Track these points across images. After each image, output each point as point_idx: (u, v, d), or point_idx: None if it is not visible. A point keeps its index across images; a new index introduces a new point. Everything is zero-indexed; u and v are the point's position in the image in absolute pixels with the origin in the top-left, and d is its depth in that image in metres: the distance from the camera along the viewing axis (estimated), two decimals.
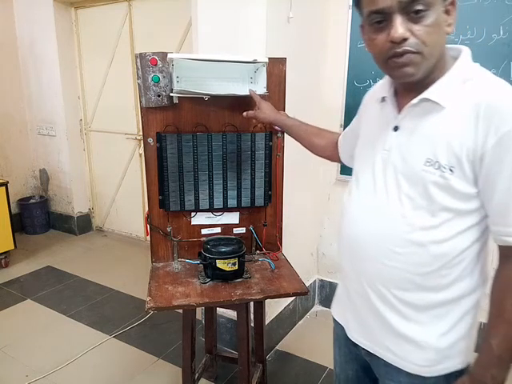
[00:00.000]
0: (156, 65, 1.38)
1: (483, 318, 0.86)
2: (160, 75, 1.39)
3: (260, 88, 1.46)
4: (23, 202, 3.88)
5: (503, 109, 0.74)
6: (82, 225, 3.96)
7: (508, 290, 0.79)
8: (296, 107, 1.71)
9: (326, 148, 1.32)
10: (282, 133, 1.58)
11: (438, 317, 0.87)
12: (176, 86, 1.40)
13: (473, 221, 0.82)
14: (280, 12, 1.87)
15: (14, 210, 3.72)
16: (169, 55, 1.37)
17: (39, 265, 3.28)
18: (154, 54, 1.38)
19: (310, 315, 2.57)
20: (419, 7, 0.74)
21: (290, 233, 1.86)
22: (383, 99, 0.93)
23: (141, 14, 3.25)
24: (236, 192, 1.58)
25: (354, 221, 0.94)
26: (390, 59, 0.79)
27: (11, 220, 3.17)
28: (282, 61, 1.53)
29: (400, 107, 0.88)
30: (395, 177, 0.85)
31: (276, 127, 1.55)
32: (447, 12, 0.78)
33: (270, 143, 1.57)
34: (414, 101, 0.83)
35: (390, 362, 0.92)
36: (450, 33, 0.80)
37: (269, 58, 1.44)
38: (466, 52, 0.84)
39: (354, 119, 1.15)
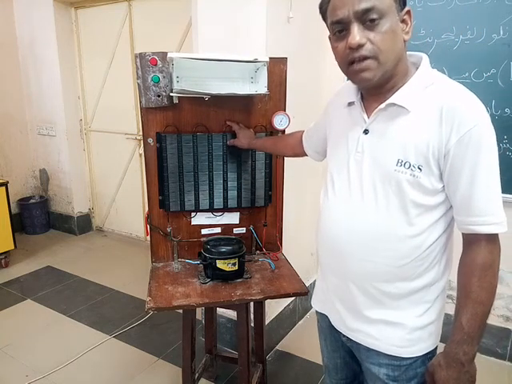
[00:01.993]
0: (156, 65, 1.38)
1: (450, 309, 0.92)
2: (160, 75, 1.39)
3: (261, 87, 1.46)
4: (23, 202, 3.88)
5: (462, 110, 0.83)
6: (82, 225, 3.96)
7: (472, 273, 0.87)
8: (296, 107, 1.71)
9: (295, 146, 1.39)
10: (283, 133, 1.58)
11: (412, 302, 0.95)
12: (176, 86, 1.40)
13: (440, 213, 0.90)
14: (280, 12, 1.87)
15: (14, 210, 3.72)
16: (169, 54, 1.37)
17: (39, 265, 3.28)
18: (153, 53, 1.38)
19: (310, 315, 2.57)
20: (374, 16, 0.82)
21: (290, 233, 1.87)
22: (350, 104, 1.00)
23: (141, 14, 3.25)
24: (236, 192, 1.58)
25: (332, 220, 1.00)
26: (350, 65, 0.87)
27: (11, 220, 3.17)
28: (283, 60, 1.53)
29: (368, 111, 0.95)
30: (370, 177, 0.92)
31: (276, 128, 1.55)
32: (404, 21, 0.87)
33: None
34: (382, 106, 0.90)
35: (369, 346, 1.00)
36: (407, 39, 0.88)
37: (270, 58, 1.44)
38: (425, 59, 0.92)
39: (318, 118, 1.23)
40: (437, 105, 0.84)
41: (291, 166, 1.75)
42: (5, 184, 3.12)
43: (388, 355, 0.98)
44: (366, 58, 0.84)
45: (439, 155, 0.84)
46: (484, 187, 0.84)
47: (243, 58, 1.41)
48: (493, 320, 2.09)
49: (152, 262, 1.61)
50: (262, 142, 1.52)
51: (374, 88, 0.91)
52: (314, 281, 2.62)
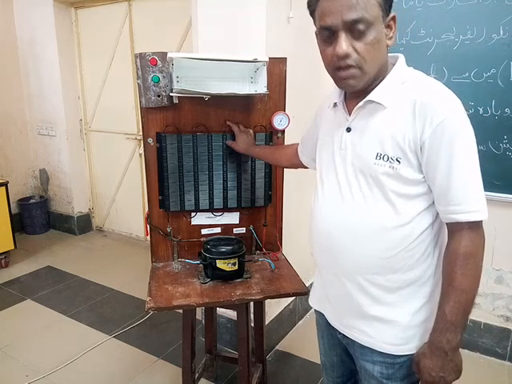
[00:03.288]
0: (156, 65, 1.38)
1: None
2: (160, 75, 1.39)
3: (261, 87, 1.46)
4: (23, 202, 3.88)
5: (434, 104, 0.86)
6: (82, 225, 3.96)
7: (455, 261, 0.88)
8: (296, 107, 1.71)
9: (292, 156, 1.41)
10: (283, 133, 1.58)
11: (405, 297, 0.96)
12: (176, 86, 1.40)
13: (425, 204, 0.92)
14: (280, 12, 1.87)
15: (14, 209, 3.72)
16: (169, 54, 1.37)
17: (39, 265, 3.28)
18: (153, 53, 1.38)
19: (309, 315, 2.57)
20: (361, 27, 0.84)
21: (290, 233, 1.87)
22: (335, 105, 1.03)
23: (141, 14, 3.25)
24: (236, 192, 1.58)
25: (322, 218, 1.02)
26: (336, 71, 0.90)
27: (11, 220, 3.17)
28: (283, 60, 1.53)
29: (350, 110, 0.99)
30: (354, 172, 0.96)
31: (276, 128, 1.55)
32: (389, 26, 0.90)
33: (271, 143, 1.57)
34: (360, 103, 0.94)
35: (363, 343, 1.01)
36: (390, 45, 0.91)
37: (269, 58, 1.44)
38: (401, 58, 0.95)
39: (310, 125, 1.27)
40: (410, 99, 0.88)
41: None
42: (5, 184, 3.12)
43: (382, 353, 0.98)
44: (351, 66, 0.87)
45: (415, 147, 0.87)
46: (460, 176, 0.86)
47: (243, 58, 1.41)
48: (493, 320, 2.09)
49: (152, 262, 1.61)
50: (260, 150, 1.52)
51: (357, 91, 0.95)
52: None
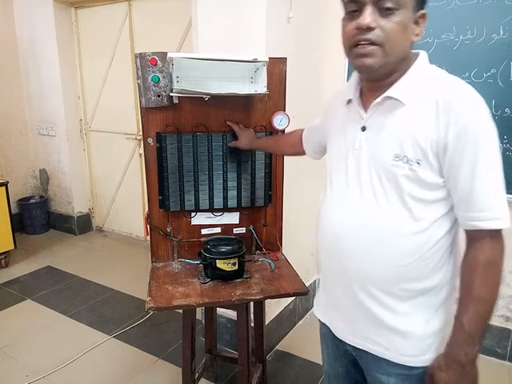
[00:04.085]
0: (156, 65, 1.38)
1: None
2: (160, 75, 1.39)
3: (260, 87, 1.46)
4: (23, 202, 3.88)
5: (458, 103, 0.81)
6: (82, 225, 3.96)
7: (474, 270, 0.84)
8: (296, 107, 1.71)
9: (294, 144, 1.38)
10: (283, 133, 1.58)
11: (420, 306, 0.91)
12: (176, 86, 1.40)
13: (444, 210, 0.88)
14: (280, 12, 1.87)
15: (14, 209, 3.72)
16: (169, 54, 1.37)
17: (39, 265, 3.27)
18: (153, 53, 1.38)
19: (309, 315, 2.57)
20: (389, 5, 0.80)
21: (290, 233, 1.87)
22: (349, 102, 0.98)
23: (141, 14, 3.25)
24: (236, 192, 1.58)
25: (332, 221, 0.97)
26: (354, 47, 0.85)
27: (11, 220, 3.17)
28: (283, 61, 1.53)
29: (366, 108, 0.93)
30: (368, 174, 0.90)
31: (276, 128, 1.55)
32: (417, 23, 0.86)
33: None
34: (378, 99, 0.89)
35: (377, 354, 0.96)
36: (415, 42, 0.87)
37: (269, 58, 1.44)
38: (423, 54, 0.91)
39: (317, 119, 1.22)
40: (433, 98, 0.83)
41: (291, 166, 1.75)
42: (5, 184, 3.12)
43: (398, 364, 0.93)
44: (371, 43, 0.82)
45: (437, 149, 0.83)
46: (484, 181, 0.81)
47: (243, 58, 1.42)
48: (493, 320, 2.09)
49: (152, 262, 1.61)
50: (263, 141, 1.52)
51: (373, 80, 0.90)
52: (314, 281, 2.62)
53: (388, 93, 0.87)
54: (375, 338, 0.95)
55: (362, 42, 0.83)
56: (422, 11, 0.85)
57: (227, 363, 2.05)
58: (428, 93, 0.85)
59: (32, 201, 3.92)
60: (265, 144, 1.52)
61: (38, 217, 3.89)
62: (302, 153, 1.36)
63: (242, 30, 1.82)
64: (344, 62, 2.25)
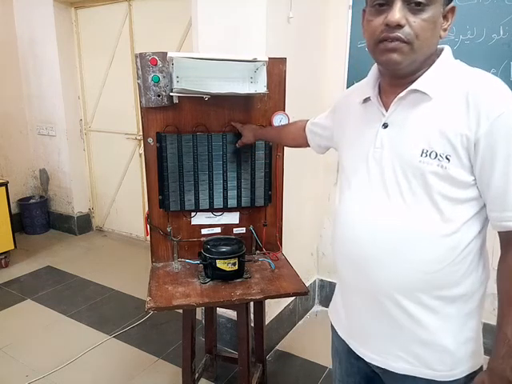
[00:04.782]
0: (156, 65, 1.38)
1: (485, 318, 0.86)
2: (160, 75, 1.39)
3: (260, 87, 1.46)
4: (23, 202, 3.88)
5: (489, 96, 0.77)
6: (82, 225, 3.96)
7: None
8: (296, 107, 1.71)
9: (296, 136, 1.35)
10: None
11: (450, 316, 0.85)
12: (176, 86, 1.40)
13: (474, 210, 0.82)
14: (280, 12, 1.87)
15: (14, 210, 3.72)
16: (169, 54, 1.37)
17: (39, 265, 3.27)
18: (153, 53, 1.38)
19: (309, 315, 2.57)
20: (421, 0, 0.76)
21: (290, 233, 1.86)
22: (366, 100, 0.94)
23: (141, 14, 3.25)
24: (236, 192, 1.58)
25: (354, 225, 0.90)
26: (381, 42, 0.81)
27: (11, 220, 3.17)
28: (282, 61, 1.53)
29: (386, 105, 0.89)
30: (393, 172, 0.85)
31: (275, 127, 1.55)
32: (445, 17, 0.83)
33: (270, 143, 1.57)
34: (402, 93, 0.84)
35: (406, 373, 0.89)
36: (443, 37, 0.84)
37: (269, 58, 1.44)
38: (447, 48, 0.87)
39: (321, 116, 1.20)
40: (462, 91, 0.79)
41: (291, 166, 1.75)
42: (5, 184, 3.12)
43: (427, 380, 0.87)
44: (399, 40, 0.78)
45: (468, 144, 0.77)
46: None
47: (243, 58, 1.42)
48: (493, 320, 2.08)
49: (152, 261, 1.61)
50: (266, 131, 1.52)
51: (398, 77, 0.86)
52: (314, 281, 2.62)
53: (413, 86, 0.83)
54: (403, 355, 0.89)
55: (389, 39, 0.79)
56: (451, 4, 0.82)
57: (227, 363, 2.05)
58: (456, 86, 0.81)
59: (32, 201, 3.92)
60: (268, 134, 1.51)
61: (37, 217, 3.89)
62: (305, 145, 1.31)
63: (241, 30, 1.82)
64: (344, 61, 2.25)
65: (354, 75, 2.24)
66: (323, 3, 2.21)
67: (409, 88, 0.83)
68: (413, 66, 0.82)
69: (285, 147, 1.60)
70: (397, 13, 0.76)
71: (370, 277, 0.88)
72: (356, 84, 1.03)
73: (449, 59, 0.86)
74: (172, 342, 2.30)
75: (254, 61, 1.42)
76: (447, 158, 0.79)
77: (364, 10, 0.87)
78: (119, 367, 2.12)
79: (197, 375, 1.77)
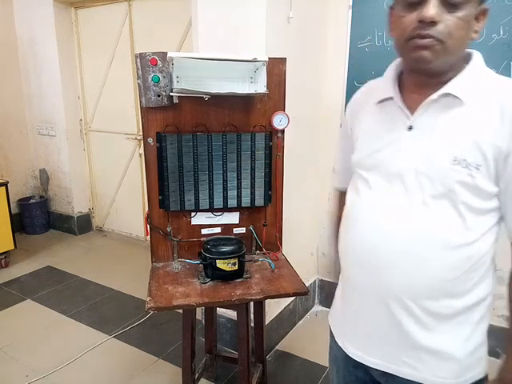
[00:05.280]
0: (156, 65, 1.38)
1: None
2: (160, 75, 1.39)
3: (260, 87, 1.46)
4: (23, 202, 3.88)
5: None
6: (82, 225, 3.96)
7: None
8: (296, 107, 1.71)
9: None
10: (282, 132, 1.58)
11: (459, 324, 0.85)
12: (176, 86, 1.40)
13: (493, 221, 0.82)
14: (280, 12, 1.87)
15: (14, 210, 3.72)
16: (169, 54, 1.37)
17: (39, 265, 3.28)
18: (153, 53, 1.38)
19: (309, 315, 2.57)
20: None
21: (290, 233, 1.86)
22: (385, 100, 0.90)
23: (141, 14, 3.25)
24: (236, 192, 1.58)
25: (370, 228, 0.87)
26: (412, 39, 0.78)
27: (11, 220, 3.17)
28: (282, 61, 1.53)
29: (409, 106, 0.85)
30: (417, 177, 0.82)
31: (276, 127, 1.55)
32: (477, 19, 0.80)
33: (270, 143, 1.57)
34: (434, 96, 0.81)
35: (410, 378, 0.88)
36: (473, 38, 0.80)
37: (269, 58, 1.44)
38: (478, 53, 0.85)
39: (341, 140, 1.09)
40: (496, 100, 0.78)
41: (291, 166, 1.75)
42: (5, 184, 3.12)
43: None
44: (432, 37, 0.76)
45: (499, 156, 0.76)
46: None
47: (243, 58, 1.42)
48: (493, 320, 2.08)
49: (152, 261, 1.61)
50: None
51: (427, 76, 0.82)
52: (314, 281, 2.62)
53: (447, 89, 0.80)
54: (409, 361, 0.87)
55: (422, 35, 0.77)
56: (483, 6, 0.80)
57: (227, 363, 2.05)
58: (490, 94, 0.79)
59: (32, 201, 3.92)
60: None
61: (38, 217, 3.89)
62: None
63: (241, 30, 1.82)
64: (344, 61, 2.25)
65: (354, 75, 2.24)
66: (323, 3, 2.21)
67: (442, 91, 0.80)
68: (443, 65, 0.80)
69: (285, 148, 1.60)
70: (432, 8, 0.74)
71: (382, 280, 0.86)
72: (365, 86, 1.00)
73: (481, 65, 0.84)
74: (172, 341, 2.30)
75: (254, 61, 1.42)
76: (477, 168, 0.77)
77: (391, 8, 0.85)
78: (119, 367, 2.12)
79: (197, 375, 1.77)
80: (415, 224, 0.81)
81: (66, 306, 2.67)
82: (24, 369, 2.10)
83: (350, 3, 2.18)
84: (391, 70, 0.92)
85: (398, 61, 0.92)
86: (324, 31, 2.26)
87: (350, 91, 2.27)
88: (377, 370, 0.92)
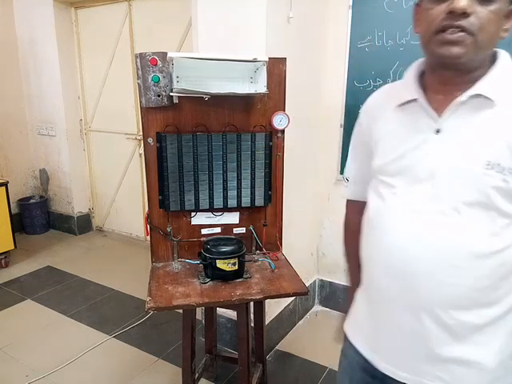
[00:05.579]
0: (156, 65, 1.38)
1: None
2: (160, 75, 1.39)
3: (260, 87, 1.46)
4: (23, 202, 3.88)
5: None
6: (82, 225, 3.96)
7: None
8: (296, 107, 1.71)
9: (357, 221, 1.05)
10: (282, 132, 1.58)
11: (491, 334, 0.82)
12: (176, 86, 1.40)
13: None
14: (280, 12, 1.87)
15: (14, 210, 3.72)
16: (169, 54, 1.37)
17: (39, 265, 3.28)
18: (153, 53, 1.38)
19: (309, 315, 2.57)
20: None
21: (290, 233, 1.86)
22: (408, 102, 0.86)
23: (141, 14, 3.25)
24: (236, 192, 1.58)
25: (399, 236, 0.83)
26: (440, 33, 0.74)
27: (11, 220, 3.17)
28: (282, 61, 1.53)
29: (436, 108, 0.81)
30: (449, 183, 0.78)
31: (276, 127, 1.55)
32: (507, 17, 0.77)
33: (270, 143, 1.57)
34: (463, 98, 0.77)
35: None
36: (503, 38, 0.77)
37: (269, 58, 1.44)
38: (505, 52, 0.82)
39: (355, 149, 1.03)
40: None
41: (291, 166, 1.75)
42: (5, 184, 3.12)
43: None
44: (463, 30, 0.72)
45: None
46: None
47: (243, 58, 1.42)
48: None
49: (152, 261, 1.61)
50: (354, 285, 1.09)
51: (453, 74, 0.79)
52: (314, 281, 2.62)
53: (477, 90, 0.76)
54: (438, 373, 0.83)
55: (452, 29, 0.72)
56: None
57: (227, 363, 2.05)
58: None
59: (32, 201, 3.92)
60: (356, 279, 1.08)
61: (38, 217, 3.89)
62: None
63: (241, 30, 1.82)
64: (344, 61, 2.25)
65: (354, 75, 2.24)
66: (323, 3, 2.21)
67: (472, 92, 0.77)
68: (472, 63, 0.76)
69: (285, 148, 1.60)
70: None
71: (412, 290, 0.82)
72: (381, 90, 0.96)
73: (510, 63, 0.80)
74: (172, 341, 2.30)
75: (254, 61, 1.42)
76: (511, 172, 0.74)
77: (417, 4, 0.81)
78: (119, 367, 2.12)
79: (197, 375, 1.77)
80: (448, 231, 0.78)
81: (66, 306, 2.67)
82: (24, 369, 2.10)
83: (350, 3, 2.18)
84: (412, 71, 0.88)
85: (418, 61, 0.89)
86: (324, 31, 2.26)
87: (350, 91, 2.27)
88: (403, 383, 0.88)
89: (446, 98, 0.80)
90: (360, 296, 1.01)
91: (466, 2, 0.70)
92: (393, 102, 0.89)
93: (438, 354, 0.82)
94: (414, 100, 0.84)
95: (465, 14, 0.71)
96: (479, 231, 0.77)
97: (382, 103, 0.94)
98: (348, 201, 1.12)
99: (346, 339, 1.04)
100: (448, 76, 0.80)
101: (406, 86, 0.87)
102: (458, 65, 0.76)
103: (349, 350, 1.01)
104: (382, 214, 0.88)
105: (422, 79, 0.87)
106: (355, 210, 1.07)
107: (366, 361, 0.95)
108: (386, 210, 0.87)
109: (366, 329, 0.96)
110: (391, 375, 0.89)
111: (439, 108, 0.81)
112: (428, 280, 0.80)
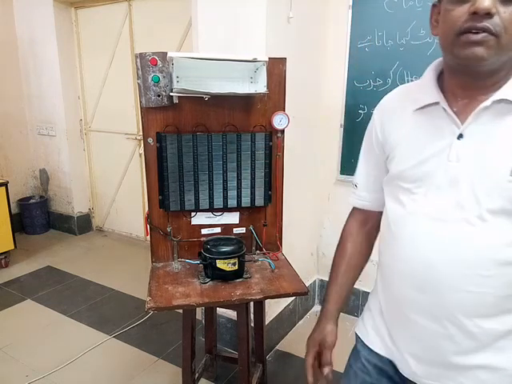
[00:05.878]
0: (156, 65, 1.38)
1: None
2: (160, 75, 1.39)
3: (260, 87, 1.46)
4: (23, 202, 3.88)
5: None
6: (82, 225, 3.96)
7: None
8: (296, 107, 1.71)
9: (362, 237, 1.06)
10: (282, 132, 1.58)
11: None
12: (176, 86, 1.40)
13: None
14: (280, 12, 1.87)
15: (14, 210, 3.72)
16: (169, 54, 1.37)
17: (39, 265, 3.28)
18: (153, 53, 1.38)
19: (309, 315, 2.57)
20: None
21: (290, 233, 1.86)
22: (428, 106, 0.83)
23: (141, 14, 3.25)
24: (236, 192, 1.58)
25: (423, 245, 0.82)
26: (463, 34, 0.71)
27: (11, 220, 3.17)
28: (282, 61, 1.53)
29: (457, 112, 0.79)
30: (472, 191, 0.76)
31: (276, 127, 1.55)
32: None
33: (270, 143, 1.57)
34: (487, 103, 0.75)
35: None
36: None
37: (269, 58, 1.44)
38: None
39: (366, 154, 1.00)
40: None
41: (291, 166, 1.75)
42: (5, 184, 3.12)
43: None
44: (487, 31, 0.69)
45: None
46: None
47: (243, 58, 1.42)
48: None
49: (152, 261, 1.61)
50: (338, 296, 1.12)
51: (477, 77, 0.77)
52: (314, 281, 2.62)
53: (502, 95, 0.74)
54: (460, 379, 0.83)
55: (475, 30, 0.70)
56: None
57: (227, 363, 2.05)
58: None
59: (32, 201, 3.92)
60: (346, 291, 1.12)
61: (38, 217, 3.89)
62: (374, 223, 1.04)
63: (241, 30, 1.82)
64: (344, 61, 2.25)
65: (354, 75, 2.24)
66: (323, 3, 2.21)
67: (497, 97, 0.75)
68: (495, 65, 0.74)
69: (285, 148, 1.60)
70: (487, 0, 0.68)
71: (436, 299, 0.81)
72: (396, 92, 0.94)
73: None
74: (172, 341, 2.30)
75: (254, 61, 1.42)
76: None
77: (434, 5, 0.79)
78: (119, 367, 2.13)
79: (197, 375, 1.77)
80: (472, 240, 0.77)
81: (66, 306, 2.67)
82: (24, 369, 2.10)
83: (350, 3, 2.18)
84: (430, 72, 0.85)
85: (436, 62, 0.86)
86: (324, 31, 2.26)
87: (350, 91, 2.27)
88: None
89: (468, 101, 0.78)
90: (375, 301, 0.99)
91: (490, 2, 0.68)
92: (410, 105, 0.86)
93: (463, 361, 0.82)
94: (435, 104, 0.82)
95: (489, 15, 0.69)
96: (504, 239, 0.76)
97: (397, 105, 0.91)
98: (353, 209, 1.08)
99: (357, 342, 1.03)
100: (469, 80, 0.78)
101: (425, 88, 0.84)
102: (481, 67, 0.74)
103: (362, 353, 1.00)
104: (403, 222, 0.86)
105: (440, 81, 0.84)
106: (358, 220, 1.06)
107: (384, 364, 0.95)
108: (407, 218, 0.85)
109: (386, 335, 0.95)
110: (414, 380, 0.89)
111: (460, 112, 0.79)
112: (452, 290, 0.79)
